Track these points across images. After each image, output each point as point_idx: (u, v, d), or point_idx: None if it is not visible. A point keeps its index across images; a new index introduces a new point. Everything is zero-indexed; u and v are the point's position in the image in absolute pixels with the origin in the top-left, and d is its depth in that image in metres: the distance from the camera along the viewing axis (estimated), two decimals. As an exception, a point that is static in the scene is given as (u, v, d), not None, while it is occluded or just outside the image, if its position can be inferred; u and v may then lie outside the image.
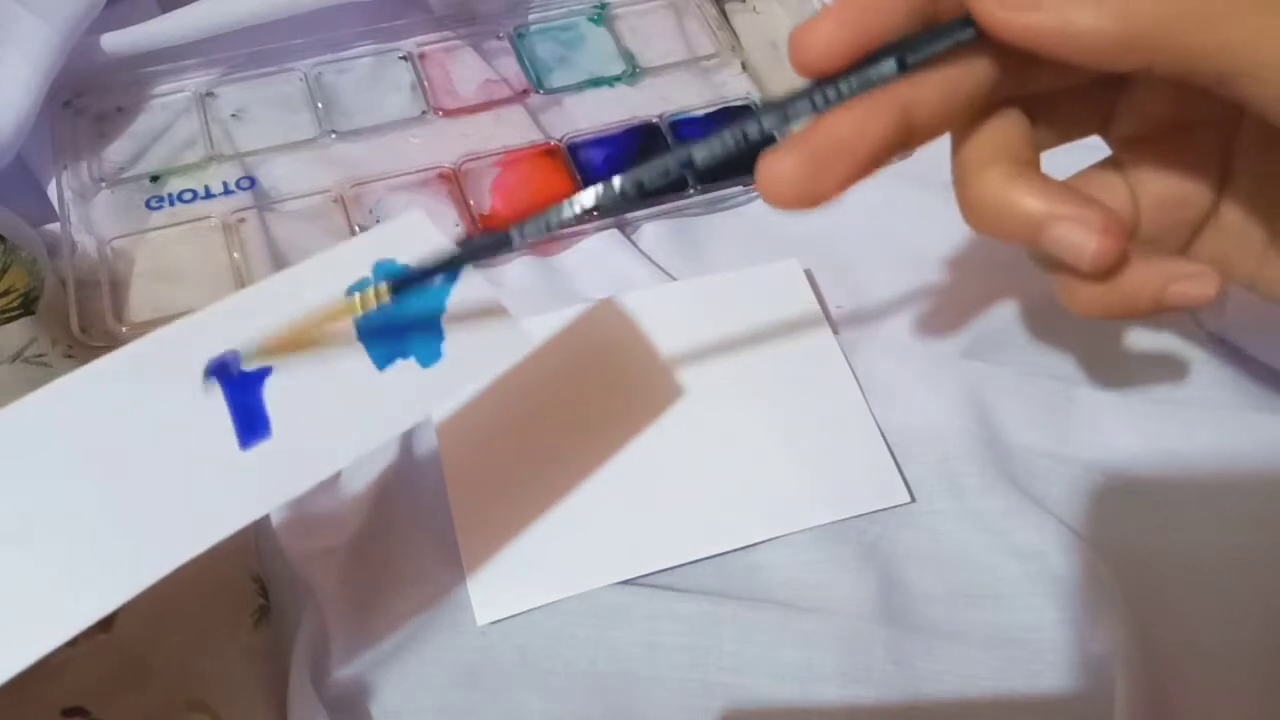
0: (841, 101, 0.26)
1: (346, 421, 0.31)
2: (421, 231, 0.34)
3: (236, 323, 0.31)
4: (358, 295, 0.31)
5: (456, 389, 0.33)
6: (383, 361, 0.32)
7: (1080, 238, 0.27)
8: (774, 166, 0.27)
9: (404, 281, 0.31)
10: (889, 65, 0.26)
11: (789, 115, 0.27)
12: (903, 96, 0.26)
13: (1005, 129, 0.29)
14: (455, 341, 0.32)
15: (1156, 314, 0.29)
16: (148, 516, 0.29)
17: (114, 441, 0.29)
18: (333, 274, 0.32)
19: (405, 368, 0.32)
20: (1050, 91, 0.31)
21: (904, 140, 0.27)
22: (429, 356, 0.32)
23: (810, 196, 0.27)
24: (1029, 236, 0.28)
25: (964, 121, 0.29)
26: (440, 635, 0.39)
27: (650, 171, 0.29)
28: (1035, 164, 0.29)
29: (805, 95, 0.27)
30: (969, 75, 0.27)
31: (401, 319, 0.32)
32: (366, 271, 0.33)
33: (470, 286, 0.33)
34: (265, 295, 0.32)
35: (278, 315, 0.31)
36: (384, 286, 0.31)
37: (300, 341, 0.31)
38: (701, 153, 0.29)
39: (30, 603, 0.28)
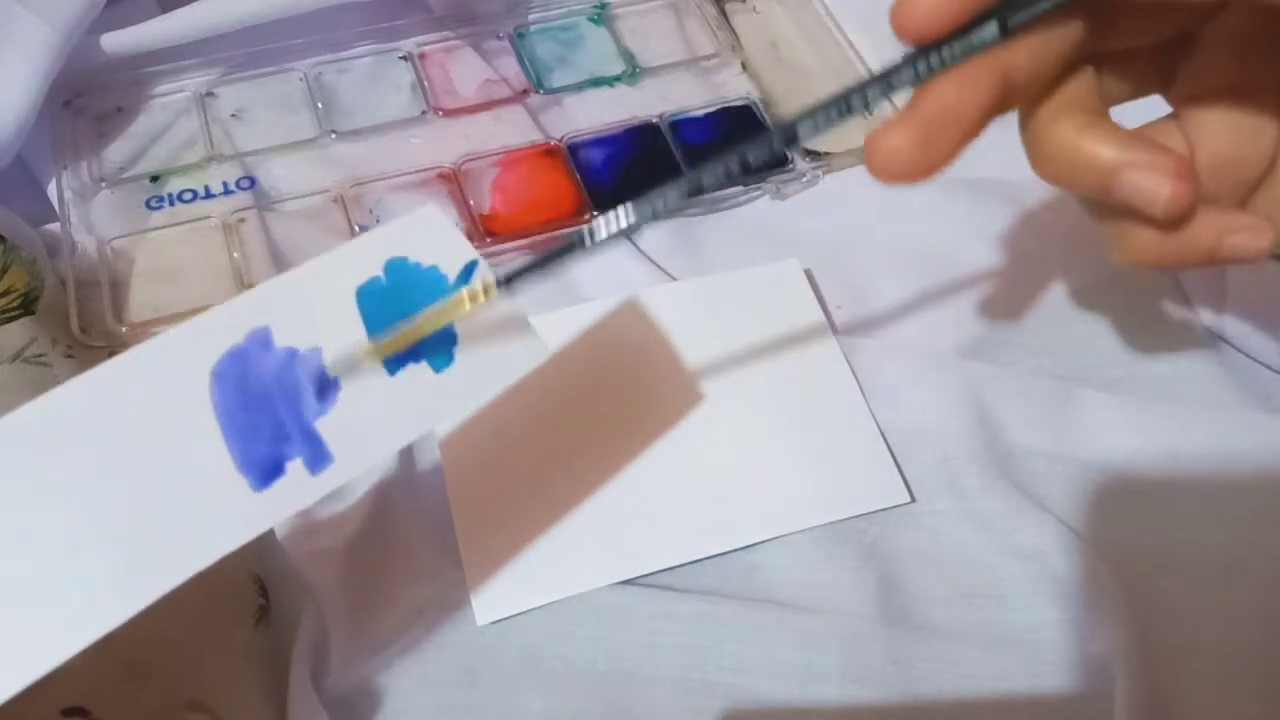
0: (944, 69, 0.26)
1: (357, 428, 0.29)
2: (435, 227, 0.32)
3: (243, 324, 0.29)
4: (465, 291, 0.29)
5: (469, 397, 0.31)
6: (394, 366, 0.30)
7: (1154, 183, 0.28)
8: (884, 141, 0.27)
9: (517, 274, 0.29)
10: (991, 30, 0.26)
11: (893, 85, 0.27)
12: (1001, 60, 0.27)
13: (1077, 84, 0.29)
14: (469, 347, 0.31)
15: (1208, 265, 0.30)
16: (154, 528, 0.27)
17: (118, 450, 0.28)
18: (342, 274, 0.31)
19: (417, 372, 0.30)
20: (1121, 50, 0.31)
21: (1004, 104, 0.27)
22: (441, 362, 0.31)
23: (922, 168, 0.27)
24: (1102, 184, 0.28)
25: (1051, 81, 0.29)
26: (440, 635, 0.39)
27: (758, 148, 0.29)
28: (1106, 115, 0.30)
29: (908, 64, 0.27)
30: (1061, 35, 0.28)
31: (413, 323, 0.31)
32: (378, 271, 0.31)
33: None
34: (270, 296, 0.30)
35: (285, 316, 0.29)
36: (491, 281, 0.29)
37: (403, 344, 0.30)
38: (806, 127, 0.30)
39: (34, 617, 0.27)
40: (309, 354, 0.29)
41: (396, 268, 0.31)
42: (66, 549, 0.27)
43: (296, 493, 0.28)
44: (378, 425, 0.30)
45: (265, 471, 0.28)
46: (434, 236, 0.32)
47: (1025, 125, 0.30)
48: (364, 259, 0.31)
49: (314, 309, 0.30)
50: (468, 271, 0.31)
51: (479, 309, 0.30)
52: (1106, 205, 0.30)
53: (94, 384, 0.28)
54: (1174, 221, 0.29)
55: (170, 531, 0.27)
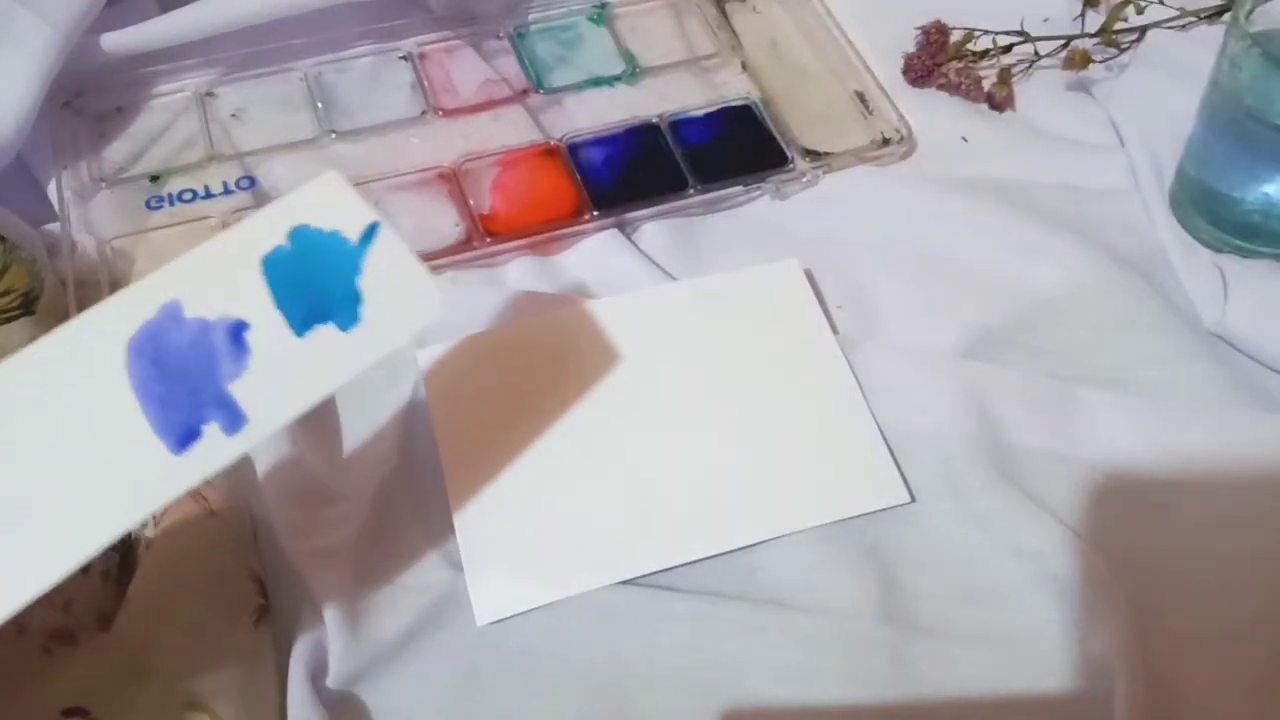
0: None
1: (270, 390, 0.31)
2: (335, 193, 0.33)
3: (154, 300, 0.31)
4: None
5: (376, 352, 0.32)
6: (302, 327, 0.32)
7: None
8: None
9: None
10: None
11: None
12: None
13: None
14: (373, 304, 0.32)
15: None
16: (80, 496, 0.29)
17: (43, 426, 0.29)
18: (248, 245, 0.32)
19: (325, 333, 0.32)
20: None
21: None
22: (348, 320, 0.32)
23: None
24: None
25: None
26: (440, 635, 0.39)
27: None
28: None
29: None
30: None
31: (319, 283, 0.32)
32: (282, 240, 0.32)
33: (386, 247, 0.33)
34: (180, 272, 0.32)
35: (195, 289, 0.31)
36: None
37: None
38: None
39: None
40: (219, 323, 0.31)
41: (300, 235, 0.32)
42: None
43: (215, 454, 0.30)
44: (290, 385, 0.31)
45: (182, 436, 0.30)
46: (335, 203, 0.33)
47: None
48: (268, 229, 0.32)
49: (222, 280, 0.31)
50: (369, 234, 0.33)
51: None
52: None
53: (16, 367, 0.30)
54: None
55: (96, 497, 0.29)
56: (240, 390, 0.31)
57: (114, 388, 0.30)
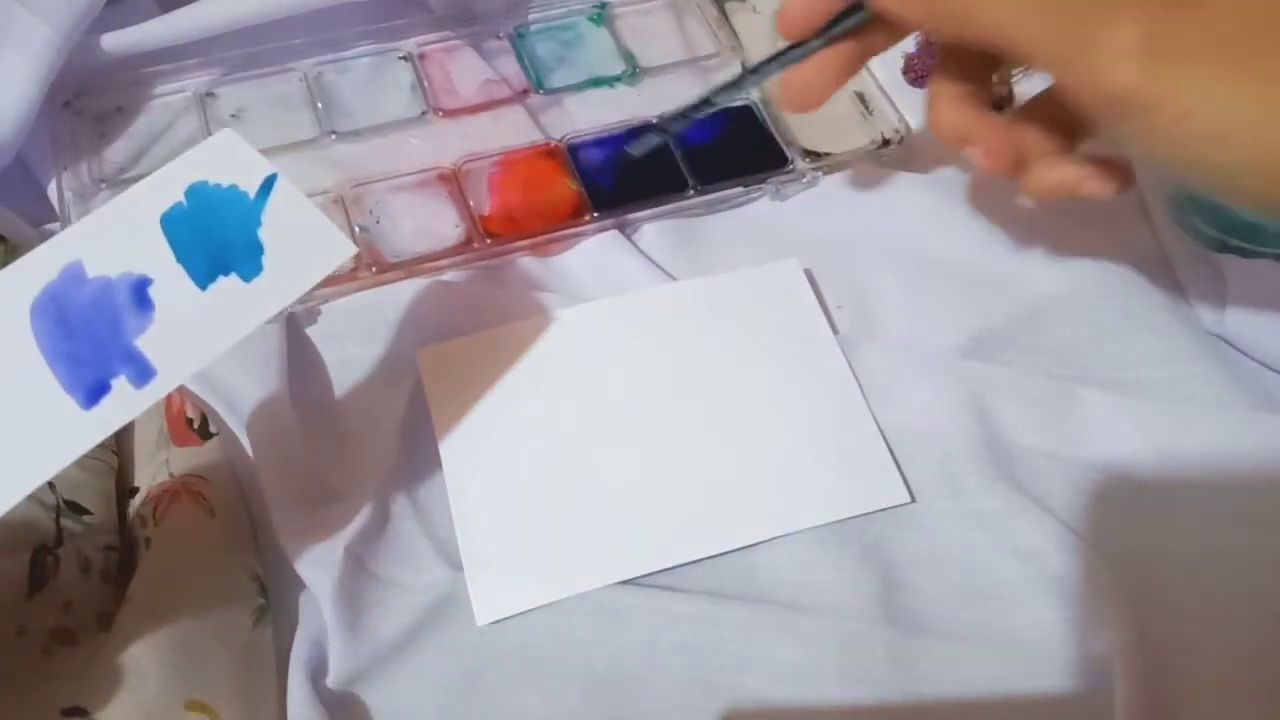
0: (807, 56, 0.39)
1: (177, 342, 0.32)
2: (231, 149, 0.34)
3: (55, 263, 0.32)
4: None
5: (279, 300, 0.33)
6: (205, 280, 0.32)
7: (975, 155, 0.39)
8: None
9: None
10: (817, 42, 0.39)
11: (762, 76, 0.42)
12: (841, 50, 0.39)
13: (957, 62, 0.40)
14: (275, 253, 0.33)
15: (1065, 196, 0.38)
16: None
17: None
18: (145, 204, 0.33)
19: (228, 284, 0.32)
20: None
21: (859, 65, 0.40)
22: (251, 270, 0.33)
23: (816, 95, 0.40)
24: (958, 147, 0.40)
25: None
26: (440, 635, 0.39)
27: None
28: (978, 89, 0.40)
29: (775, 60, 0.40)
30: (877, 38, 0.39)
31: (219, 236, 0.33)
32: (180, 197, 0.33)
33: (285, 199, 0.34)
34: (79, 235, 0.32)
35: (96, 250, 0.32)
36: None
37: None
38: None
39: None
40: (121, 280, 0.32)
41: (197, 192, 0.33)
42: None
43: (125, 406, 0.31)
44: (196, 337, 0.32)
45: (92, 391, 0.31)
46: (231, 158, 0.34)
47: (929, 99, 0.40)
48: (165, 188, 0.33)
49: (122, 240, 0.32)
50: (266, 186, 0.34)
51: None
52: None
53: None
54: (1010, 171, 0.39)
55: (10, 455, 0.30)
56: (146, 344, 0.31)
57: (20, 349, 0.31)
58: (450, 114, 0.55)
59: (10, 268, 0.31)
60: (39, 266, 0.31)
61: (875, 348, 0.46)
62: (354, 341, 0.46)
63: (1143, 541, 0.41)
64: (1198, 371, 0.45)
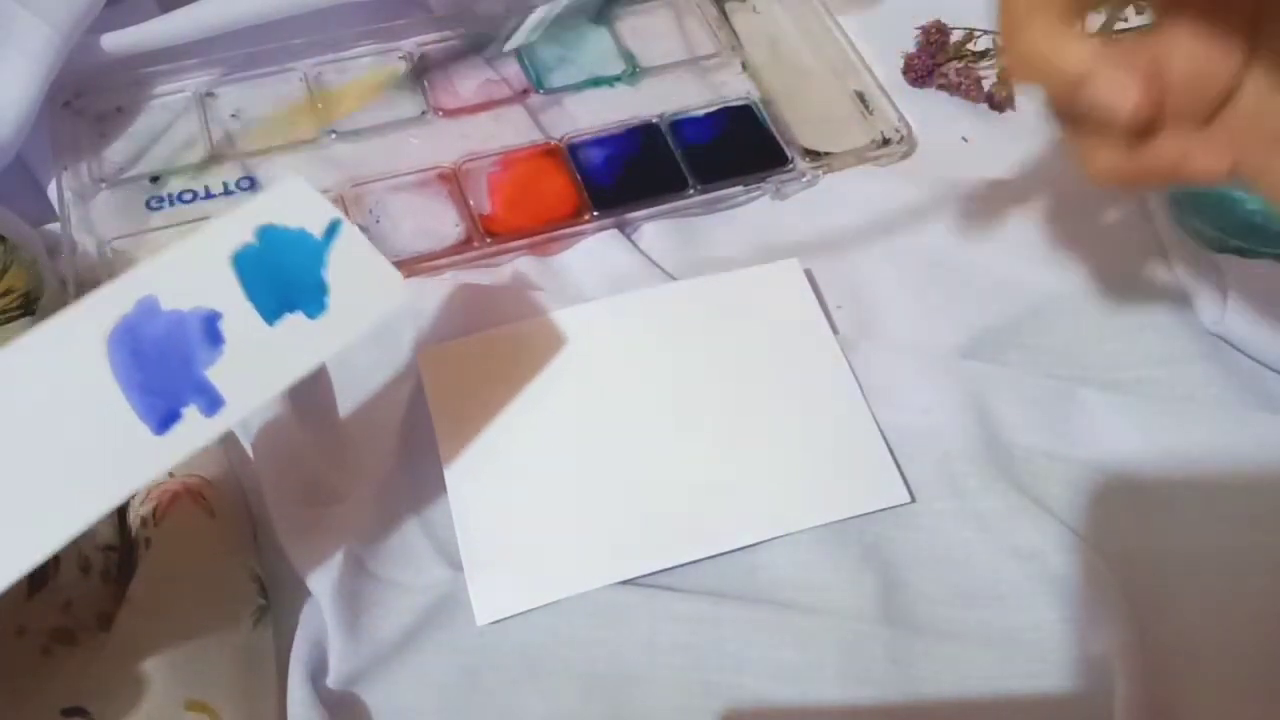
0: None
1: (245, 375, 0.33)
2: (299, 193, 0.35)
3: (130, 296, 0.33)
4: None
5: (343, 336, 0.35)
6: (272, 317, 0.34)
7: (1118, 93, 0.28)
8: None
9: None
10: None
11: None
12: None
13: None
14: (338, 293, 0.35)
15: (1170, 183, 0.31)
16: (69, 476, 0.31)
17: (33, 415, 0.31)
18: (218, 243, 0.34)
19: (294, 321, 0.34)
20: None
21: None
22: (315, 309, 0.34)
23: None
24: (1068, 89, 0.29)
25: None
26: (440, 635, 0.39)
27: None
28: (1080, 19, 0.30)
29: None
30: None
31: (286, 275, 0.34)
32: (251, 237, 0.34)
33: (348, 242, 0.35)
34: (154, 270, 0.33)
35: (169, 285, 0.33)
36: None
37: None
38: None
39: None
40: (194, 314, 0.33)
41: (267, 233, 0.35)
42: None
43: (195, 434, 0.32)
44: (263, 370, 0.33)
45: (164, 418, 0.32)
46: (299, 202, 0.35)
47: (1001, 24, 0.30)
48: (236, 228, 0.35)
49: (195, 276, 0.34)
50: (332, 230, 0.35)
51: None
52: (1077, 118, 0.30)
53: (6, 356, 0.32)
54: (1137, 135, 0.29)
55: (86, 476, 0.31)
56: (216, 375, 0.33)
57: (97, 377, 0.32)
58: (450, 114, 0.55)
59: (88, 298, 0.32)
60: (116, 299, 0.33)
61: (875, 348, 0.46)
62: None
63: (1143, 541, 0.41)
64: (1198, 371, 0.45)
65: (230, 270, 0.34)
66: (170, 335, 0.33)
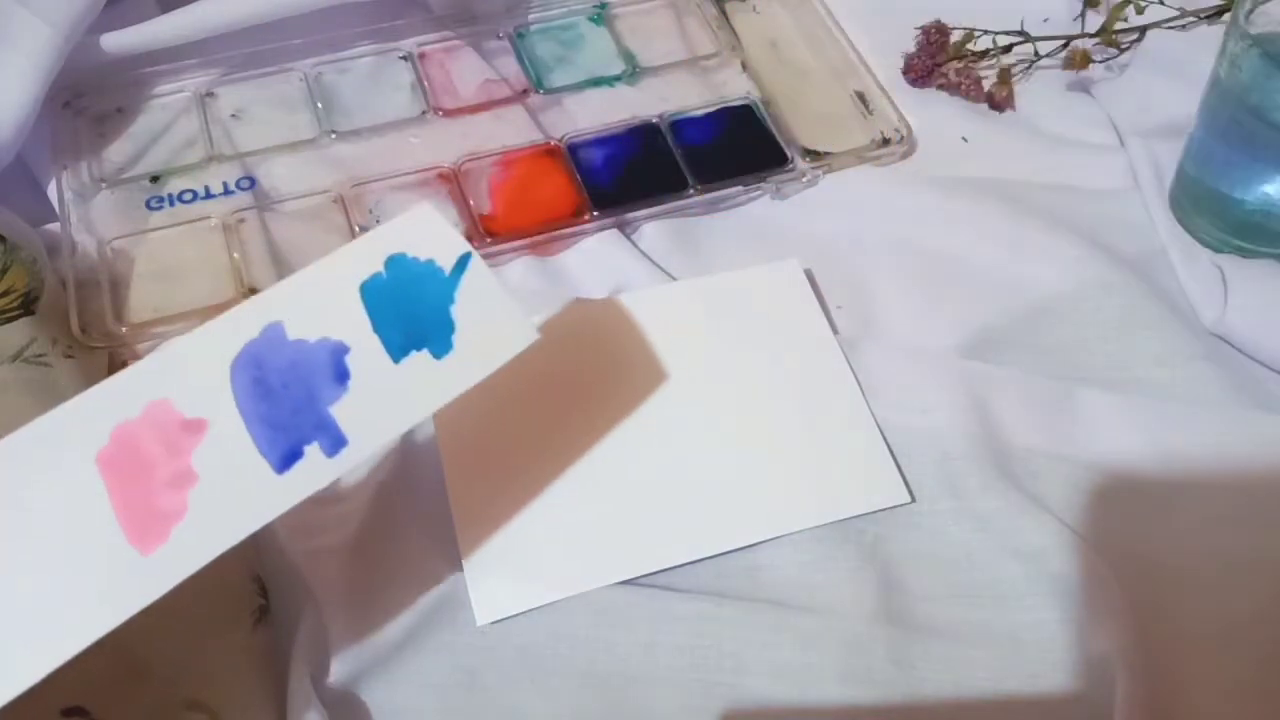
0: None
1: (369, 413, 0.31)
2: (430, 223, 0.34)
3: (257, 321, 0.32)
4: None
5: (468, 379, 0.33)
6: (399, 354, 0.32)
7: None
8: None
9: None
10: None
11: None
12: None
13: None
14: (464, 332, 0.33)
15: None
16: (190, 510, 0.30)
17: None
18: (346, 271, 0.33)
19: (419, 359, 0.33)
20: None
21: None
22: (441, 348, 0.33)
23: None
24: None
25: None
26: (440, 635, 0.39)
27: None
28: None
29: None
30: None
31: (414, 310, 0.33)
32: (379, 267, 0.33)
33: (477, 277, 0.34)
34: (281, 295, 0.32)
35: (296, 312, 0.32)
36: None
37: None
38: None
39: (81, 583, 0.29)
40: (320, 345, 0.32)
41: (396, 263, 0.33)
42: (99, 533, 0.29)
43: (316, 474, 0.31)
44: (387, 409, 0.32)
45: (286, 455, 0.31)
46: (429, 232, 0.34)
47: None
48: (366, 256, 0.33)
49: (322, 304, 0.32)
50: (462, 263, 0.34)
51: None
52: None
53: (125, 381, 0.30)
54: None
55: (203, 513, 0.30)
56: (340, 412, 0.31)
57: (219, 405, 0.31)
58: (450, 114, 0.55)
59: (213, 322, 0.31)
60: (243, 323, 0.32)
61: (875, 348, 0.46)
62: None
63: (1143, 541, 0.41)
64: (1197, 371, 0.45)
65: (358, 300, 0.32)
66: (296, 367, 0.31)
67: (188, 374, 0.31)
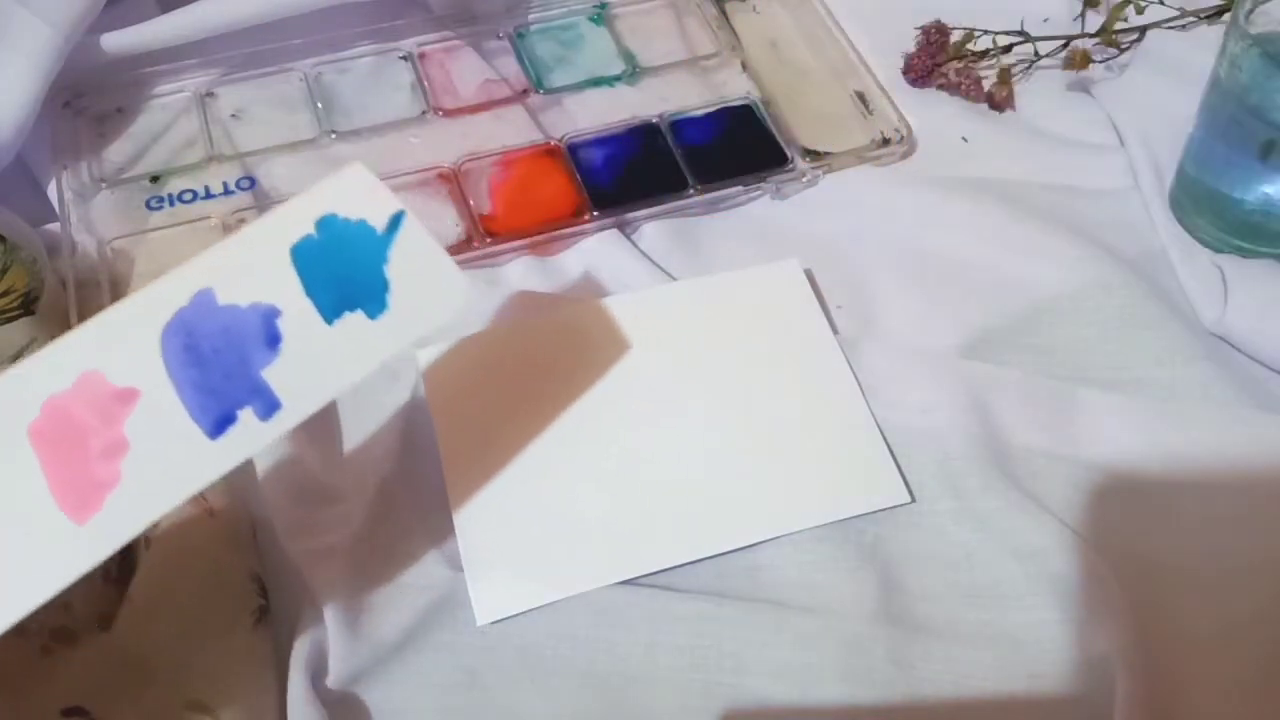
0: None
1: (303, 376, 0.31)
2: (361, 183, 0.34)
3: (187, 288, 0.32)
4: None
5: (403, 338, 0.33)
6: (331, 315, 0.32)
7: None
8: None
9: None
10: None
11: None
12: None
13: None
14: (399, 292, 0.33)
15: None
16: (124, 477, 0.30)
17: None
18: (276, 235, 0.33)
19: (353, 320, 0.32)
20: None
21: None
22: (376, 308, 0.33)
23: None
24: None
25: None
26: (440, 635, 0.39)
27: None
28: None
29: None
30: None
31: (347, 270, 0.33)
32: (311, 229, 0.33)
33: (411, 236, 0.33)
34: (211, 262, 0.32)
35: (227, 278, 0.32)
36: None
37: None
38: None
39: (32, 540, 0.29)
40: (251, 310, 0.32)
41: (327, 224, 0.33)
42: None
43: (250, 438, 0.31)
44: (321, 370, 0.32)
45: (219, 421, 0.31)
46: (361, 192, 0.33)
47: None
48: (296, 219, 0.33)
49: (253, 269, 0.32)
50: (395, 222, 0.33)
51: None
52: None
53: (56, 354, 0.30)
54: None
55: (137, 480, 0.30)
56: (273, 376, 0.31)
57: (150, 374, 0.31)
58: (450, 114, 0.55)
59: (142, 291, 0.31)
60: (171, 292, 0.31)
61: (875, 348, 0.46)
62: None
63: (1143, 541, 0.41)
64: (1197, 371, 0.45)
65: (289, 263, 0.32)
66: (227, 332, 0.31)
67: (118, 344, 0.31)
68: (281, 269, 0.32)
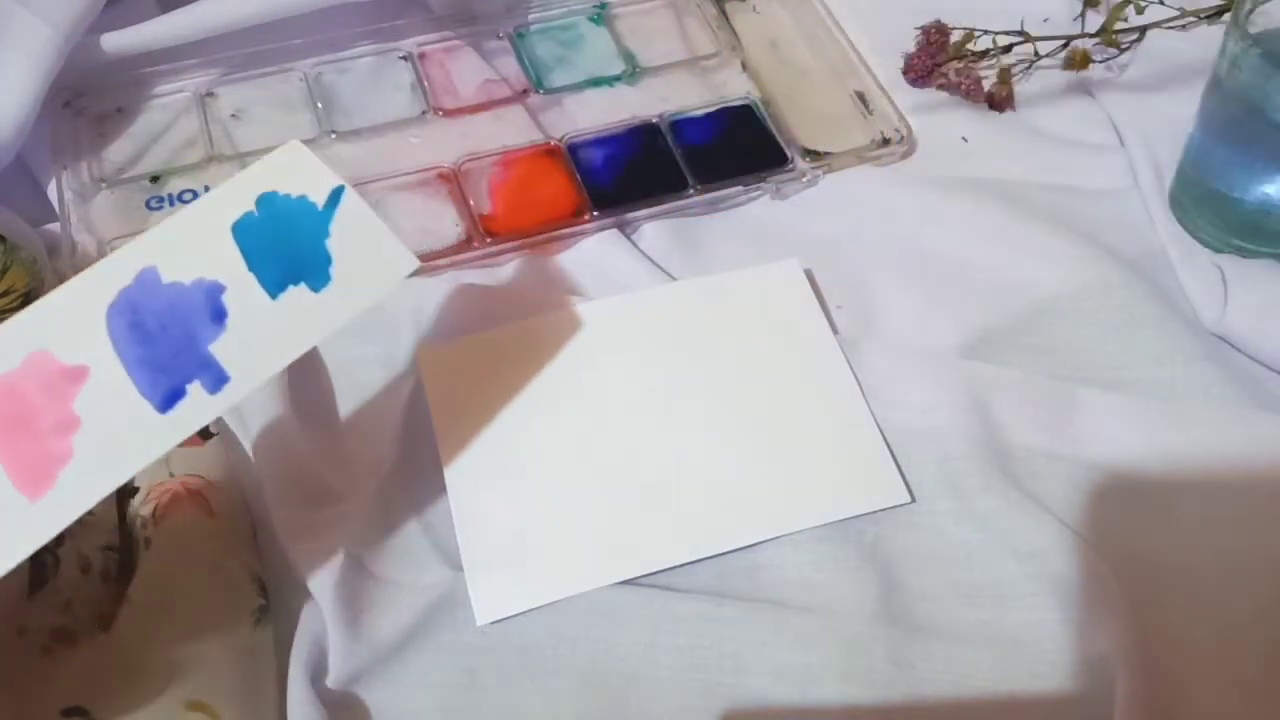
0: None
1: (249, 349, 0.32)
2: (299, 160, 0.34)
3: (130, 268, 0.32)
4: None
5: (348, 309, 0.34)
6: (275, 289, 0.33)
7: None
8: None
9: None
10: None
11: None
12: None
13: None
14: (342, 265, 0.34)
15: None
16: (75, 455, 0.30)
17: None
18: (217, 213, 0.33)
19: (298, 294, 0.33)
20: None
21: None
22: (319, 281, 0.34)
23: None
24: None
25: None
26: (440, 635, 0.39)
27: None
28: None
29: None
30: None
31: (289, 246, 0.33)
32: (251, 206, 0.33)
33: (352, 210, 0.34)
34: (153, 241, 0.33)
35: (170, 256, 0.32)
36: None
37: None
38: None
39: None
40: (195, 286, 0.32)
41: (268, 201, 0.34)
42: None
43: (199, 411, 0.32)
44: (268, 344, 0.33)
45: (168, 395, 0.31)
46: (300, 170, 0.34)
47: None
48: (236, 197, 0.34)
49: (196, 247, 0.33)
50: (335, 197, 0.34)
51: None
52: None
53: (4, 334, 0.31)
54: None
55: (88, 456, 0.30)
56: (220, 350, 0.32)
57: (98, 353, 0.31)
58: (450, 114, 0.55)
59: (86, 272, 0.32)
60: (115, 272, 0.32)
61: (875, 348, 0.46)
62: (354, 341, 0.46)
63: (1143, 541, 0.41)
64: (1197, 371, 0.45)
65: (231, 241, 0.33)
66: (173, 308, 0.32)
67: (65, 324, 0.31)
68: (224, 246, 0.33)
